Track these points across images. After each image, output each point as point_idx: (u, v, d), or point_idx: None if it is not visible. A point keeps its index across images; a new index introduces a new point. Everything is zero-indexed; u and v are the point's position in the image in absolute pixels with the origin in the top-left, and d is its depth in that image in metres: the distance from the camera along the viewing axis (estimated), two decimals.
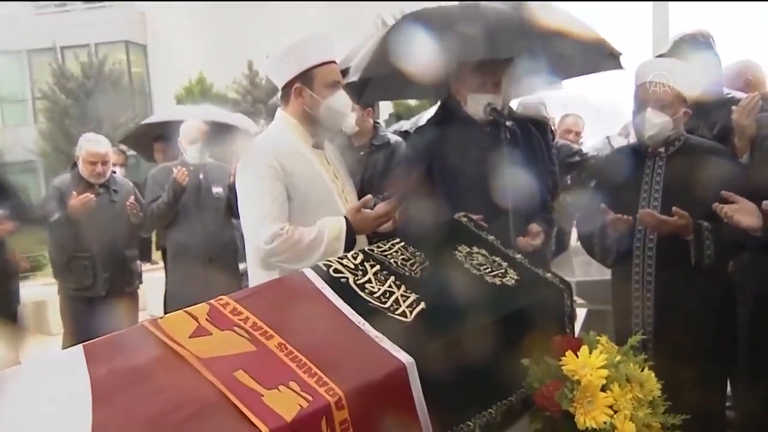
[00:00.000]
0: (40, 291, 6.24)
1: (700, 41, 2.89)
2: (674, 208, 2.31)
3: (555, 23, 2.58)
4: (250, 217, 2.18)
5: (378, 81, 2.94)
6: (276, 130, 2.34)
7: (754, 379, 2.48)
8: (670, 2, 6.10)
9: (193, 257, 3.98)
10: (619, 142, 5.19)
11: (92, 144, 4.08)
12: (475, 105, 2.61)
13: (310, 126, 2.30)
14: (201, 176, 4.05)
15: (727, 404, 2.73)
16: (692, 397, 1.90)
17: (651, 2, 6.19)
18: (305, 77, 2.23)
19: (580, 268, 3.49)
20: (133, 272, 4.28)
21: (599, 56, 2.78)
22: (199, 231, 3.98)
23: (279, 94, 2.39)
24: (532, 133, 2.75)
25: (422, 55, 2.57)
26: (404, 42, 2.57)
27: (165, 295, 4.51)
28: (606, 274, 2.89)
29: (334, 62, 2.31)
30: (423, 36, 2.58)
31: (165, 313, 4.46)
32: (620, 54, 2.73)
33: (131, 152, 6.10)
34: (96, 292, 4.02)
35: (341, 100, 2.28)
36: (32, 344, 6.17)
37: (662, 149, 2.51)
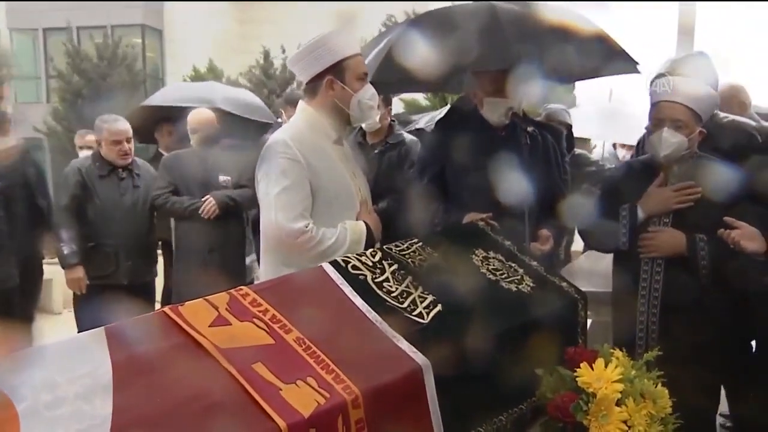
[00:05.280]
0: (45, 269, 6.20)
1: (700, 60, 2.90)
2: (650, 227, 2.39)
3: (566, 22, 2.59)
4: (273, 211, 2.13)
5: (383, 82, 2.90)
6: (299, 124, 2.31)
7: (753, 399, 2.47)
8: (696, 6, 6.08)
9: (199, 246, 3.90)
10: (623, 153, 5.23)
11: (112, 123, 3.92)
12: (492, 109, 2.61)
13: (336, 120, 2.28)
14: (208, 164, 3.95)
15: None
16: (686, 410, 1.89)
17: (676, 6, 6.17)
18: (337, 69, 2.21)
19: (584, 280, 3.47)
20: (154, 260, 4.16)
21: (613, 58, 2.77)
22: (205, 219, 3.85)
23: (294, 85, 2.39)
24: (548, 140, 2.77)
25: (431, 57, 2.56)
26: (412, 47, 2.56)
27: (165, 282, 4.39)
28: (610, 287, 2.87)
29: (360, 54, 2.31)
30: (432, 40, 2.57)
31: (162, 300, 4.41)
32: (637, 63, 2.76)
33: None
34: (117, 280, 3.84)
35: (371, 92, 2.27)
36: (35, 323, 6.19)
37: (675, 167, 2.50)
